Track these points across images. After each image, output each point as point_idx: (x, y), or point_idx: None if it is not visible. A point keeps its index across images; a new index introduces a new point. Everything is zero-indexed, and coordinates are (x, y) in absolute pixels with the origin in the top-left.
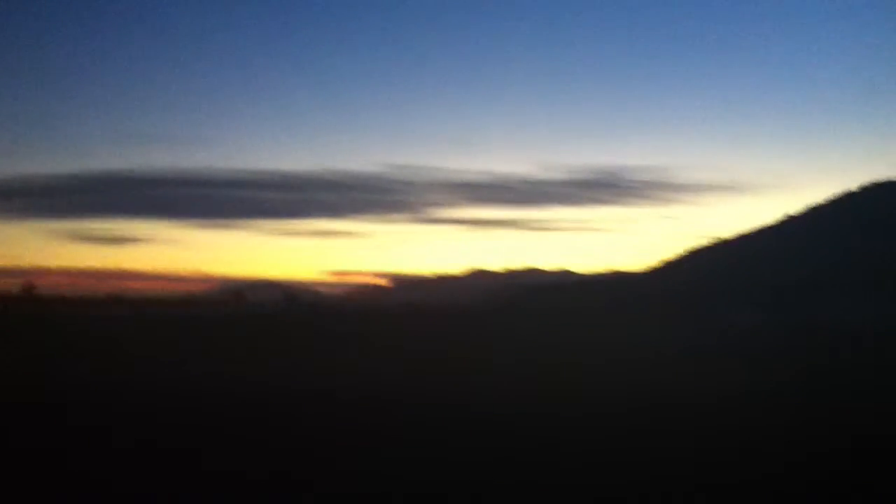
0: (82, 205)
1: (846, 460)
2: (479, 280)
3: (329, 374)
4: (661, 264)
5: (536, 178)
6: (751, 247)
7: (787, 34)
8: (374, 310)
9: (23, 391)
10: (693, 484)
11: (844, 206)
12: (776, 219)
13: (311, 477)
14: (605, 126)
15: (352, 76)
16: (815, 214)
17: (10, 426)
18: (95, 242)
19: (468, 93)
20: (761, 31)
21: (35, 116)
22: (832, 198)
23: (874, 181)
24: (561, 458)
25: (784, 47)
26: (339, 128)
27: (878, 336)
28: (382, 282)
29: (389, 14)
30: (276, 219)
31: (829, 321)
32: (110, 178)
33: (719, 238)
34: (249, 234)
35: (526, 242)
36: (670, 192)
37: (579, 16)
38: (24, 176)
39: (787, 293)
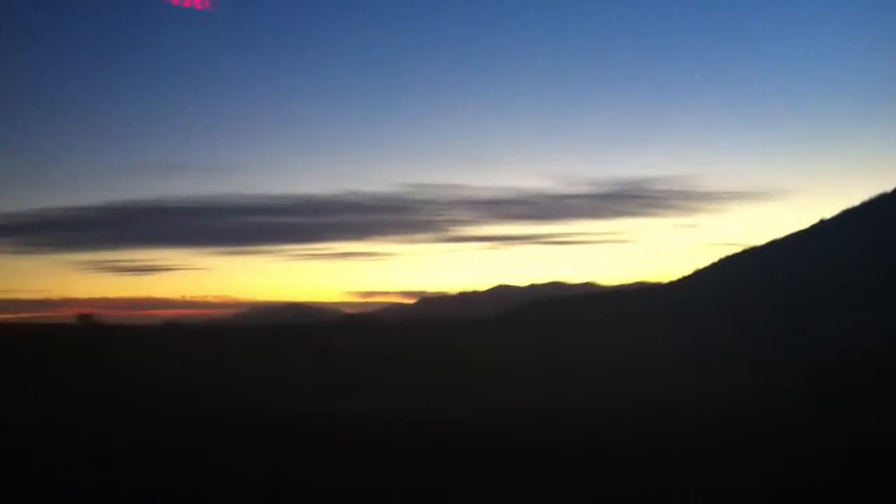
0: (107, 236)
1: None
2: (504, 294)
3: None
4: (690, 273)
5: (558, 193)
6: (783, 253)
7: (812, 38)
8: (402, 324)
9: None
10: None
11: (879, 209)
12: (810, 223)
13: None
14: (625, 137)
15: (370, 98)
16: (849, 217)
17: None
18: (121, 272)
19: (487, 109)
20: (784, 37)
21: (56, 150)
22: (866, 200)
23: None
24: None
25: (808, 52)
26: (358, 150)
27: None
28: (408, 300)
29: (406, 35)
30: (300, 243)
31: (864, 328)
32: (134, 209)
33: (749, 246)
34: (273, 258)
35: (549, 257)
36: (694, 201)
37: (598, 28)
38: (47, 209)
39: (819, 300)
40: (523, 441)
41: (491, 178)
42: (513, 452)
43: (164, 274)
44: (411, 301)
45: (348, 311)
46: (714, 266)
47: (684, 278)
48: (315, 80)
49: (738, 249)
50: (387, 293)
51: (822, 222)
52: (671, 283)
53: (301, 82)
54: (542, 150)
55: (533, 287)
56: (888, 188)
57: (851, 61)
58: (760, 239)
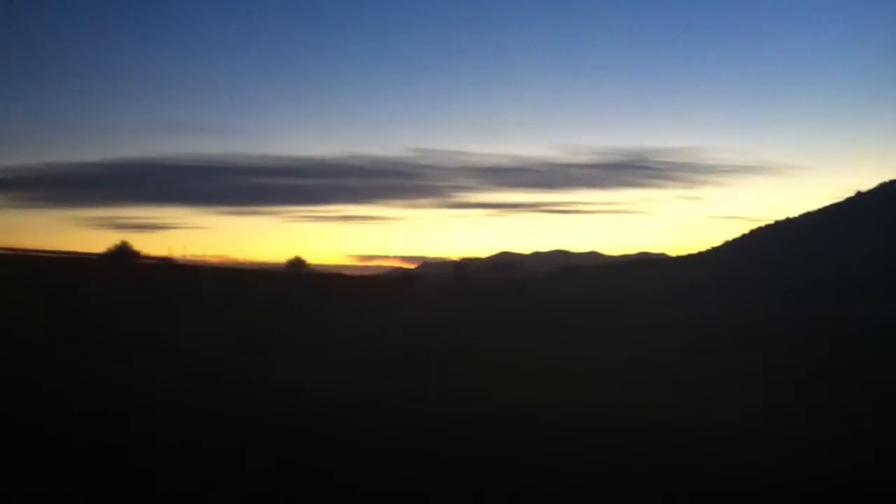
0: (108, 193)
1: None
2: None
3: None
4: (708, 249)
5: (562, 162)
6: (795, 231)
7: (820, 12)
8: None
9: None
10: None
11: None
12: (813, 199)
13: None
14: (630, 108)
15: (376, 61)
16: (861, 200)
17: None
18: (122, 230)
19: (492, 76)
20: (791, 10)
21: (60, 106)
22: (877, 185)
23: None
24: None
25: (816, 25)
26: (364, 113)
27: None
28: (410, 265)
29: (413, 1)
30: (303, 204)
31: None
32: (136, 167)
33: (765, 222)
34: (276, 219)
35: (552, 225)
36: (698, 173)
37: (602, 0)
38: (50, 164)
39: (827, 284)
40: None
41: (495, 145)
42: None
43: (164, 232)
44: (412, 266)
45: (348, 273)
46: (749, 236)
47: (705, 253)
48: (322, 41)
49: (740, 223)
50: (387, 257)
51: (859, 195)
52: (697, 255)
53: (308, 44)
54: (548, 118)
55: (537, 255)
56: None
57: (861, 35)
58: (763, 213)
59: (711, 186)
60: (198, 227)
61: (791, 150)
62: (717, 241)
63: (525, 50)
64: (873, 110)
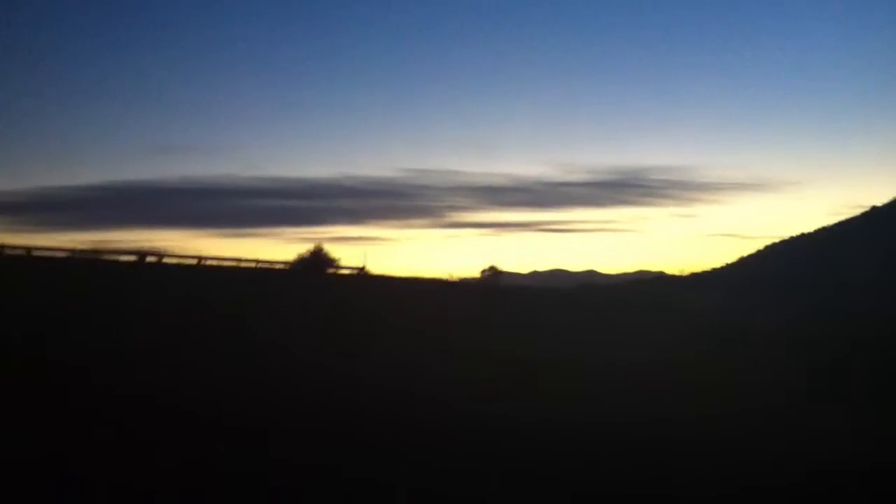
0: (103, 216)
1: None
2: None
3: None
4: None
5: (557, 180)
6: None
7: (813, 29)
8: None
9: None
10: None
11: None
12: (809, 216)
13: None
14: (624, 126)
15: (369, 81)
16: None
17: None
18: (119, 254)
19: (486, 96)
20: (785, 28)
21: (56, 129)
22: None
23: None
24: None
25: (810, 42)
26: (357, 134)
27: None
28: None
29: (406, 18)
30: (298, 226)
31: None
32: (131, 190)
33: (763, 239)
34: (271, 241)
35: (547, 244)
36: (692, 191)
37: (597, 17)
38: (45, 188)
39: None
40: None
41: (489, 164)
42: None
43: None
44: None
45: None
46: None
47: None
48: (315, 62)
49: (735, 240)
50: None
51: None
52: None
53: (301, 64)
54: (542, 137)
55: (535, 274)
56: (890, 181)
57: (853, 52)
58: (758, 231)
59: (705, 204)
60: (194, 251)
61: (787, 166)
62: (716, 259)
63: (519, 69)
64: (870, 127)
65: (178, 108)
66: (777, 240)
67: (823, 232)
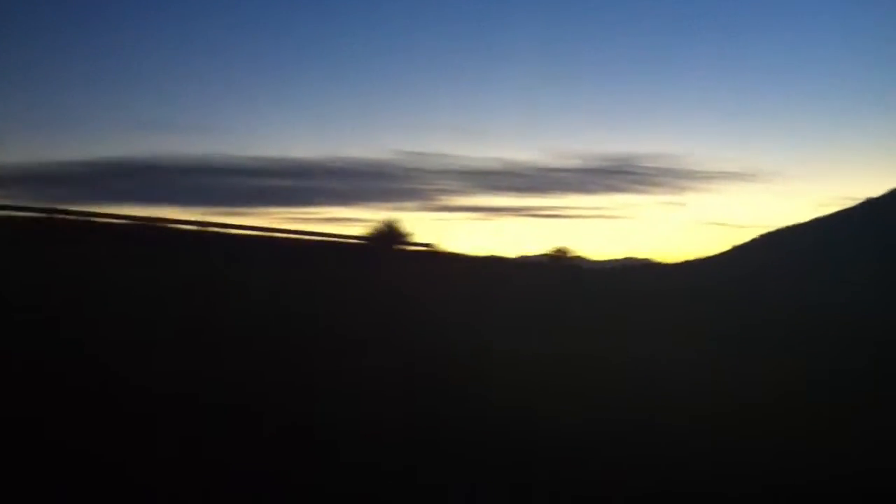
0: (89, 193)
1: None
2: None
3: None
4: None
5: (548, 166)
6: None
7: (804, 19)
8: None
9: None
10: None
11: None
12: (799, 206)
13: None
14: (617, 113)
15: (361, 63)
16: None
17: None
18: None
19: (479, 79)
20: (776, 17)
21: (40, 105)
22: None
23: None
24: None
25: (801, 32)
26: (348, 115)
27: None
28: None
29: (400, 1)
30: (286, 206)
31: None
32: (117, 166)
33: (756, 229)
34: (258, 221)
35: (537, 229)
36: (682, 179)
37: (590, 3)
38: (31, 164)
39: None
40: None
41: (481, 148)
42: None
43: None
44: None
45: None
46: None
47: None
48: (307, 41)
49: (724, 229)
50: None
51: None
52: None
53: (292, 44)
54: (534, 122)
55: (525, 258)
56: (883, 173)
57: (846, 42)
58: (747, 220)
59: (695, 192)
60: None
61: (778, 157)
62: (702, 248)
63: (512, 53)
64: (864, 118)
65: (164, 85)
66: (770, 229)
67: (816, 222)
